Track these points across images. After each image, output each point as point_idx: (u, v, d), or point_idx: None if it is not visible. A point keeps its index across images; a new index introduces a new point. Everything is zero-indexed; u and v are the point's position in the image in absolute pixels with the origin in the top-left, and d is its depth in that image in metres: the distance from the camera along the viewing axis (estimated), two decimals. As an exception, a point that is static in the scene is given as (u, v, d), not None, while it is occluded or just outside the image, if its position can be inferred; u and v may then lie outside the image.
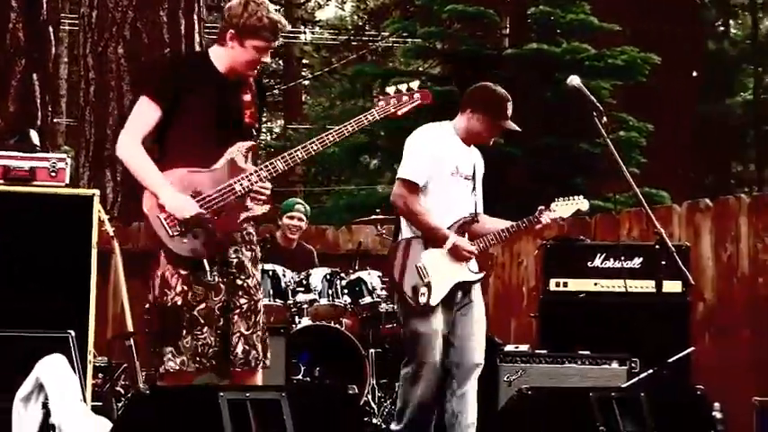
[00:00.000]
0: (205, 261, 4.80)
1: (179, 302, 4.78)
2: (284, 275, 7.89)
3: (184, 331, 4.76)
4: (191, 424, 3.87)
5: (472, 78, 7.89)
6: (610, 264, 7.32)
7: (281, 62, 27.08)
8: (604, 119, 5.48)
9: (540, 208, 6.24)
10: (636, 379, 6.45)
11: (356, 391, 4.27)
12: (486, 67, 12.74)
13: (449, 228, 5.99)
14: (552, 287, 7.43)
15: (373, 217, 8.47)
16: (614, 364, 6.73)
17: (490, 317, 6.32)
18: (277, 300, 7.79)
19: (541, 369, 6.79)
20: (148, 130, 4.86)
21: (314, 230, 10.36)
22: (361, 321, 8.37)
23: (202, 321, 4.79)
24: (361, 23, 28.24)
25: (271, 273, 7.81)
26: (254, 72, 5.02)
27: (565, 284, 7.40)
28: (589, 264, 7.36)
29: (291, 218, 8.67)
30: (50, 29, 9.98)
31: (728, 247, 7.91)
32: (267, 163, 4.86)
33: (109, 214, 8.12)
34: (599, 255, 7.36)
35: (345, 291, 8.01)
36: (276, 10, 5.03)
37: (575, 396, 4.89)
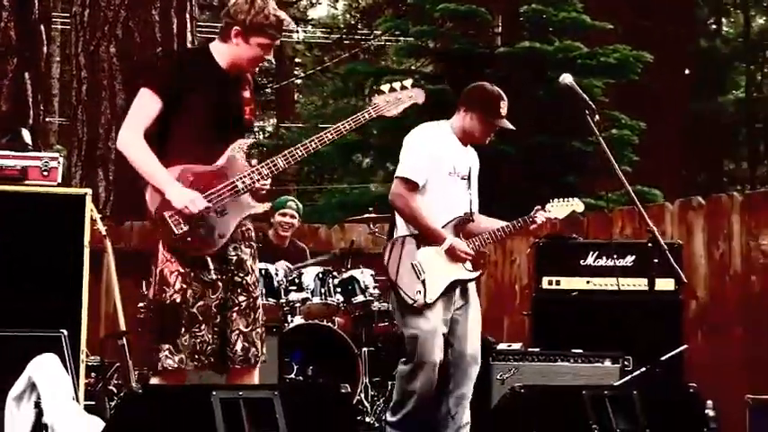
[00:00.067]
0: (209, 258, 4.79)
1: (177, 300, 4.75)
2: (277, 274, 7.89)
3: (183, 329, 4.74)
4: (183, 423, 3.86)
5: (464, 77, 7.92)
6: (602, 262, 7.33)
7: (273, 61, 27.07)
8: (597, 117, 5.47)
9: (536, 208, 6.25)
10: (628, 377, 6.47)
11: (349, 389, 4.26)
12: (479, 65, 12.76)
13: (444, 226, 6.00)
14: (545, 285, 7.44)
15: (366, 215, 8.46)
16: (607, 362, 6.73)
17: (483, 315, 6.32)
18: (269, 298, 7.79)
19: (534, 367, 6.80)
20: (149, 122, 4.79)
21: (306, 229, 10.36)
22: (353, 320, 8.37)
23: (201, 319, 4.77)
24: (353, 22, 28.24)
25: (263, 271, 7.80)
26: (255, 69, 5.01)
27: (557, 282, 7.41)
28: (582, 262, 7.37)
29: (283, 215, 8.65)
30: (42, 28, 9.97)
31: (721, 245, 7.92)
32: (269, 161, 4.85)
33: (101, 213, 8.10)
34: (592, 253, 7.37)
35: (338, 289, 8.01)
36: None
37: (567, 394, 4.89)
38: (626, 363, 6.70)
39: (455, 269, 6.02)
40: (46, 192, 6.17)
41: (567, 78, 5.53)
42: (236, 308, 4.86)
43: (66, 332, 5.71)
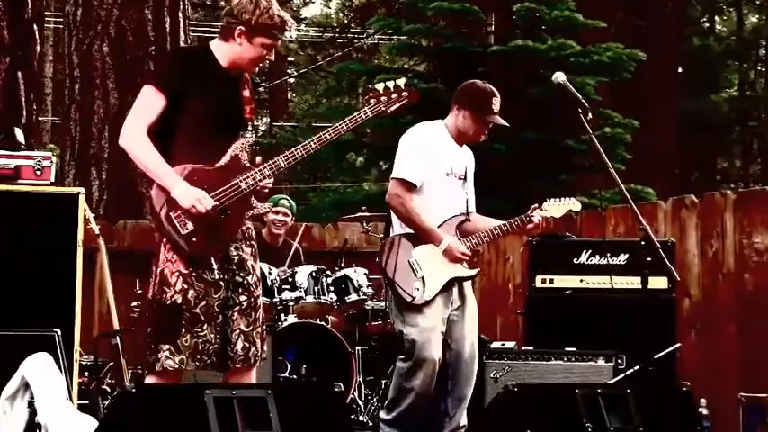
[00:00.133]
0: (212, 259, 4.78)
1: (178, 300, 4.73)
2: (270, 273, 7.88)
3: (184, 330, 4.72)
4: (177, 422, 3.86)
5: (457, 75, 7.89)
6: (596, 260, 7.34)
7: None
8: (590, 115, 5.48)
9: (533, 207, 6.24)
10: (622, 375, 6.47)
11: (342, 388, 4.26)
12: (472, 64, 12.74)
13: (440, 226, 6.00)
14: (538, 284, 7.45)
15: (359, 214, 8.46)
16: (600, 361, 6.73)
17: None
18: (263, 297, 7.77)
19: (527, 366, 6.80)
20: (153, 119, 4.76)
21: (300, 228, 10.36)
22: (347, 319, 8.39)
23: (203, 319, 4.75)
24: (346, 21, 28.24)
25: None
26: (256, 69, 5.00)
27: (551, 281, 7.42)
28: (575, 260, 7.38)
29: (276, 213, 8.64)
30: (35, 27, 9.94)
31: (714, 244, 7.92)
32: (271, 161, 4.85)
33: (94, 212, 8.11)
34: (585, 251, 7.37)
35: (331, 288, 8.01)
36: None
37: (561, 392, 4.90)
38: (619, 361, 6.70)
39: (453, 267, 6.00)
40: (39, 191, 6.16)
41: (560, 77, 5.54)
42: (238, 307, 4.86)
43: (59, 331, 5.71)
